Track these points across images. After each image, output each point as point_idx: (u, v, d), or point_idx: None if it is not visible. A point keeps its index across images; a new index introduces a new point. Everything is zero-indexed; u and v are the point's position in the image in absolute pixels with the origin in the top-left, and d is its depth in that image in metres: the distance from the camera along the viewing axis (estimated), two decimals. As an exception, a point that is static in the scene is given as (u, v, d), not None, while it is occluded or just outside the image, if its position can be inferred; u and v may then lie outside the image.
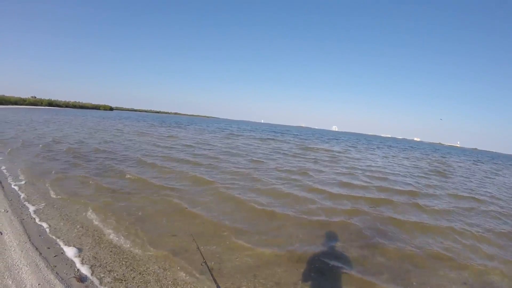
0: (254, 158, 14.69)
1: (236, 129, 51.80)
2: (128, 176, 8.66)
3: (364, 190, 9.85)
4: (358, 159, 20.54)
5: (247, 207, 6.79)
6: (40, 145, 12.76)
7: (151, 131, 27.12)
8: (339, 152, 24.22)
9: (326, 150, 24.26)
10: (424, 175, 15.69)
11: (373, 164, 17.98)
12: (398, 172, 15.47)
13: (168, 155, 13.10)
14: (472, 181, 16.17)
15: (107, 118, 48.03)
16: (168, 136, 23.11)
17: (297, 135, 53.87)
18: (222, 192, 7.75)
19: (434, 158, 31.41)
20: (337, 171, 13.48)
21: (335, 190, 9.38)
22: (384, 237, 5.92)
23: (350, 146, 34.98)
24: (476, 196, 11.23)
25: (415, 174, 15.68)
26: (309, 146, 27.23)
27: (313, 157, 18.29)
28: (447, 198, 10.37)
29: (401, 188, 10.90)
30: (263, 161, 13.95)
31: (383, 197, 9.16)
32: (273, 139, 32.41)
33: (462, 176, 17.96)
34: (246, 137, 31.34)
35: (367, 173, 13.61)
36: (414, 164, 21.38)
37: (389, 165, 18.63)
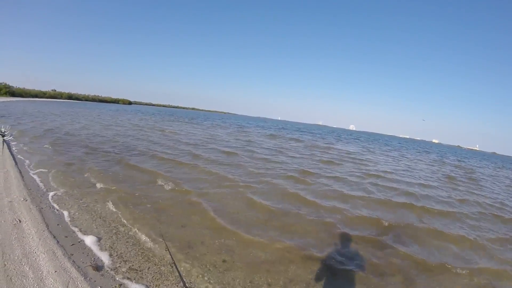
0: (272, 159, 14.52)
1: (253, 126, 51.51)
2: (147, 168, 8.77)
3: (385, 195, 9.61)
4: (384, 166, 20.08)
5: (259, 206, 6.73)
6: (58, 136, 13.12)
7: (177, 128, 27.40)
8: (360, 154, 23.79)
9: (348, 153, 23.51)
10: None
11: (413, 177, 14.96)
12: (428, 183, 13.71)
13: (181, 150, 13.14)
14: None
15: (124, 111, 48.71)
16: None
17: (315, 134, 52.88)
18: (240, 191, 7.70)
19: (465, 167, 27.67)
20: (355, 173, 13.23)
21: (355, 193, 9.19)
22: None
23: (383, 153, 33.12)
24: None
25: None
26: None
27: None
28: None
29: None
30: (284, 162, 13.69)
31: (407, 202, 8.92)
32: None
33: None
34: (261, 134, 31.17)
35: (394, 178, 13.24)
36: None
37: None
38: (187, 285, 3.40)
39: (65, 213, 5.03)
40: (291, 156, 15.70)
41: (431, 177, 15.37)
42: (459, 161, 34.69)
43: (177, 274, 3.60)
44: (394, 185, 11.11)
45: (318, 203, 7.36)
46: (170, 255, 3.58)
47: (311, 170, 11.71)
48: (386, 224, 6.46)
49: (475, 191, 12.86)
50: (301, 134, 42.02)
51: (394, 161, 21.48)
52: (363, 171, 13.59)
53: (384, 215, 7.18)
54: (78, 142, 12.27)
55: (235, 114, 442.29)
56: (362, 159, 18.85)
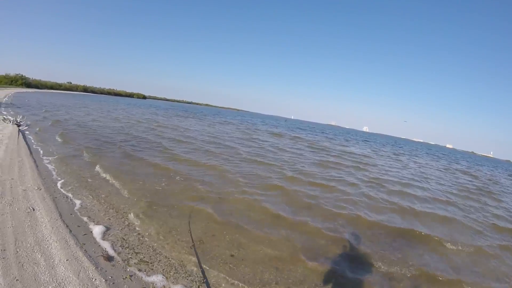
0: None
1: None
2: (158, 163, 8.80)
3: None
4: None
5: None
6: (71, 127, 13.36)
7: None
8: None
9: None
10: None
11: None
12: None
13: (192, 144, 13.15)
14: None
15: (137, 106, 49.02)
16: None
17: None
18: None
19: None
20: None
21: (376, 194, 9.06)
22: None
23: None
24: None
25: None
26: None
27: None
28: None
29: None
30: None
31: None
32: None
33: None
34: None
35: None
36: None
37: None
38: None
39: (78, 202, 5.05)
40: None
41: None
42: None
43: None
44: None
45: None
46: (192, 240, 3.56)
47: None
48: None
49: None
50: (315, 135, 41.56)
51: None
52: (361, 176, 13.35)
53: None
54: (89, 133, 12.41)
55: (248, 111, 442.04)
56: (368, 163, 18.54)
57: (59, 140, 10.14)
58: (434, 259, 5.13)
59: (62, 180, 6.09)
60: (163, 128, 19.14)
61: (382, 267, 4.47)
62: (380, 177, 12.41)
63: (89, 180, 6.37)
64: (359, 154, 21.58)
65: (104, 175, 6.87)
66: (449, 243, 5.91)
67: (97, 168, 7.33)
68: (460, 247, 5.84)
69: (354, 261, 4.53)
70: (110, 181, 6.48)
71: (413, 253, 5.22)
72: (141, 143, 11.89)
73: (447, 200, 10.20)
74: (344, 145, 29.40)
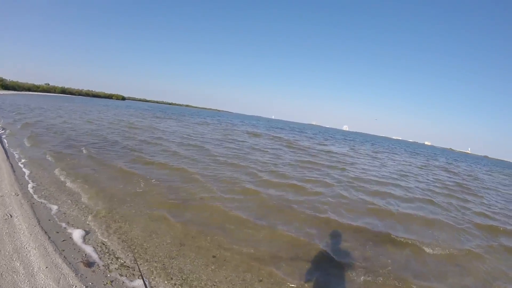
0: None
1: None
2: (138, 163, 8.79)
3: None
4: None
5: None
6: (50, 132, 12.92)
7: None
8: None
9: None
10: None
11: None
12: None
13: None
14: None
15: (114, 107, 47.98)
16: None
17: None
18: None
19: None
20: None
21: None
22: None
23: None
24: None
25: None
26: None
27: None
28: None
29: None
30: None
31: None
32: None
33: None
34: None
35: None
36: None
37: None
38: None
39: (56, 208, 5.01)
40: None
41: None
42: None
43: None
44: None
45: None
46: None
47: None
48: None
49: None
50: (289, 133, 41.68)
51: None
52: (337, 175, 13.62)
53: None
54: (65, 136, 12.20)
55: (229, 112, 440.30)
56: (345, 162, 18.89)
57: (36, 145, 9.80)
58: (414, 265, 4.91)
59: (40, 185, 6.02)
60: (136, 130, 18.63)
61: (356, 274, 4.27)
62: (358, 176, 12.34)
63: (67, 185, 6.30)
64: (337, 153, 21.73)
65: (82, 178, 6.79)
66: (429, 247, 5.62)
67: (75, 171, 7.25)
68: (441, 251, 5.58)
69: (324, 272, 4.23)
70: (90, 186, 6.40)
71: (390, 259, 4.94)
72: (108, 146, 11.50)
73: (427, 198, 10.14)
74: (323, 144, 29.75)
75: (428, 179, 15.72)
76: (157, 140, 15.08)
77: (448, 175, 20.08)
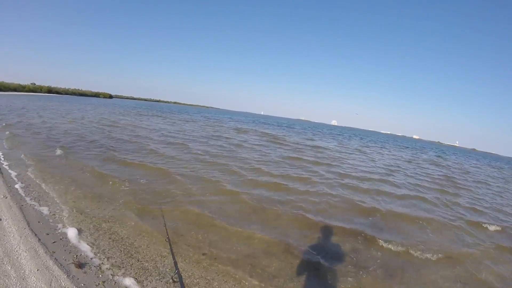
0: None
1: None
2: (128, 161, 8.77)
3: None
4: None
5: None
6: (38, 132, 12.74)
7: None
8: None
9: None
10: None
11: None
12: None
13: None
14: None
15: (100, 105, 47.23)
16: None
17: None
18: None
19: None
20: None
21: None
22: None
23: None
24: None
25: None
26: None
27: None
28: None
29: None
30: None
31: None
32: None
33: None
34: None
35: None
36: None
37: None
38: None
39: (46, 210, 4.99)
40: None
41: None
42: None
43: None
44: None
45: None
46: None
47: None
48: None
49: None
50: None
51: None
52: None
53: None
54: (59, 137, 12.01)
55: (217, 108, 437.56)
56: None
57: (25, 146, 9.61)
58: (404, 268, 4.74)
59: (29, 187, 5.97)
60: (116, 128, 18.11)
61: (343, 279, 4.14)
62: (345, 172, 12.15)
63: (56, 186, 6.25)
64: (324, 148, 21.75)
65: (72, 178, 6.77)
66: (417, 250, 5.38)
67: (65, 171, 7.21)
68: (435, 255, 5.28)
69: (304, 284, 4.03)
70: (78, 186, 6.39)
71: (379, 260, 4.82)
72: (91, 146, 11.23)
73: (418, 195, 9.95)
74: (311, 139, 29.80)
75: (416, 173, 15.92)
76: (137, 138, 14.70)
77: (438, 169, 20.28)
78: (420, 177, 14.51)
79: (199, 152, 12.48)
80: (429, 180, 14.10)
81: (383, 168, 15.72)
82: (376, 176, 12.39)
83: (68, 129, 14.85)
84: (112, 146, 11.42)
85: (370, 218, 6.85)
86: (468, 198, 11.13)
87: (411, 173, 15.65)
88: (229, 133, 24.54)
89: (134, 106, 67.91)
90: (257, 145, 18.28)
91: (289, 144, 21.29)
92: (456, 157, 42.33)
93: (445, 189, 11.99)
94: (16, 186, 5.93)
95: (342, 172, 12.18)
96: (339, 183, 9.90)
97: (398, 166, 17.65)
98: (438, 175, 16.72)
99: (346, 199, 8.11)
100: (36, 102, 39.50)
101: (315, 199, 7.60)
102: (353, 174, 12.18)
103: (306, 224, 5.91)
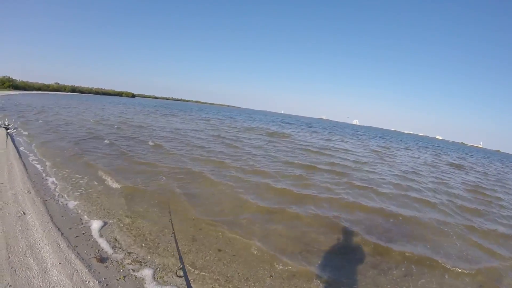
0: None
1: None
2: (147, 162, 8.72)
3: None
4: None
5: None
6: (61, 129, 13.06)
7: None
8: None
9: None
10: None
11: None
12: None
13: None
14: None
15: (120, 104, 47.87)
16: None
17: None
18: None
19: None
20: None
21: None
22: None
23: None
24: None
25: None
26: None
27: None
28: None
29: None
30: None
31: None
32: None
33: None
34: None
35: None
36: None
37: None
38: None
39: (69, 205, 5.02)
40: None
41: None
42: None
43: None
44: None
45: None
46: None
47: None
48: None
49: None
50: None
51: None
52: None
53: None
54: (76, 134, 12.24)
55: (238, 107, 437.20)
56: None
57: (48, 143, 9.95)
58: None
59: (52, 183, 6.05)
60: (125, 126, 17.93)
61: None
62: (362, 182, 9.73)
63: (79, 181, 6.33)
64: (342, 149, 19.62)
65: (96, 175, 6.82)
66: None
67: (89, 168, 7.29)
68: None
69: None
70: (103, 182, 6.45)
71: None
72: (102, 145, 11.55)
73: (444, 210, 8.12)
74: (329, 139, 27.55)
75: (455, 181, 13.81)
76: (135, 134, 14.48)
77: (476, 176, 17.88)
78: (456, 185, 13.37)
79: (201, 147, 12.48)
80: (465, 188, 13.05)
81: (406, 172, 14.53)
82: (400, 182, 11.71)
83: (89, 128, 15.16)
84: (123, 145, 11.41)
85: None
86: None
87: (450, 182, 13.34)
88: (233, 132, 22.94)
89: (154, 105, 69.08)
90: (266, 145, 17.50)
91: (303, 144, 20.34)
92: (489, 161, 37.87)
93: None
94: (40, 181, 6.03)
95: (362, 178, 11.51)
96: (360, 193, 8.69)
97: (423, 171, 16.47)
98: (479, 183, 14.35)
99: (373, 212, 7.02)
100: (58, 101, 40.56)
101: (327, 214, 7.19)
102: (374, 178, 11.61)
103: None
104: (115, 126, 16.92)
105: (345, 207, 6.86)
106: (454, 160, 26.51)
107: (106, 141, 11.28)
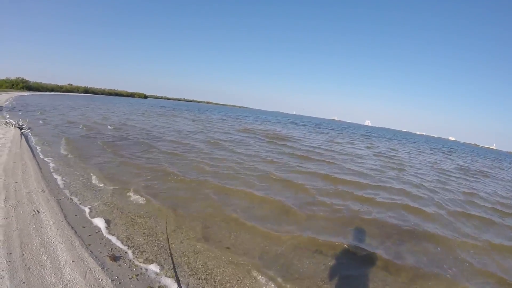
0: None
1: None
2: (164, 165, 8.71)
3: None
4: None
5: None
6: (76, 129, 13.10)
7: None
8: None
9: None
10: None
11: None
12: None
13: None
14: None
15: (129, 104, 48.10)
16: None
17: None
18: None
19: None
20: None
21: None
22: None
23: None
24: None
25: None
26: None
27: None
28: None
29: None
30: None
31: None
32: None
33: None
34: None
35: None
36: None
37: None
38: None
39: (83, 204, 5.05)
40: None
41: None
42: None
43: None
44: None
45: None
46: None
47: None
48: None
49: None
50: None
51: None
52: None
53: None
54: (92, 135, 12.35)
55: (248, 108, 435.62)
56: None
57: (63, 142, 10.01)
58: None
59: (65, 182, 6.10)
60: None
61: None
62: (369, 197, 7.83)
63: (94, 181, 6.38)
64: (349, 154, 17.20)
65: (109, 175, 6.86)
66: None
67: (102, 168, 7.34)
68: None
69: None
70: (116, 182, 6.46)
71: None
72: (124, 142, 11.67)
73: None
74: (335, 142, 24.74)
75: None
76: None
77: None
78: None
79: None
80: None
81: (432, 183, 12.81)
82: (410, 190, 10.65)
83: (106, 130, 15.13)
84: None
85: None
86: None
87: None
88: (233, 134, 22.01)
89: (163, 105, 69.34)
90: (263, 151, 16.20)
91: (310, 151, 19.68)
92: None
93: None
94: (54, 180, 6.09)
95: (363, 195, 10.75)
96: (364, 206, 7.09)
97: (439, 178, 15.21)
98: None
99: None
100: (69, 102, 40.51)
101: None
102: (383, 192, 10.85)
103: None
104: (118, 127, 16.90)
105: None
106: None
107: (119, 142, 11.37)
